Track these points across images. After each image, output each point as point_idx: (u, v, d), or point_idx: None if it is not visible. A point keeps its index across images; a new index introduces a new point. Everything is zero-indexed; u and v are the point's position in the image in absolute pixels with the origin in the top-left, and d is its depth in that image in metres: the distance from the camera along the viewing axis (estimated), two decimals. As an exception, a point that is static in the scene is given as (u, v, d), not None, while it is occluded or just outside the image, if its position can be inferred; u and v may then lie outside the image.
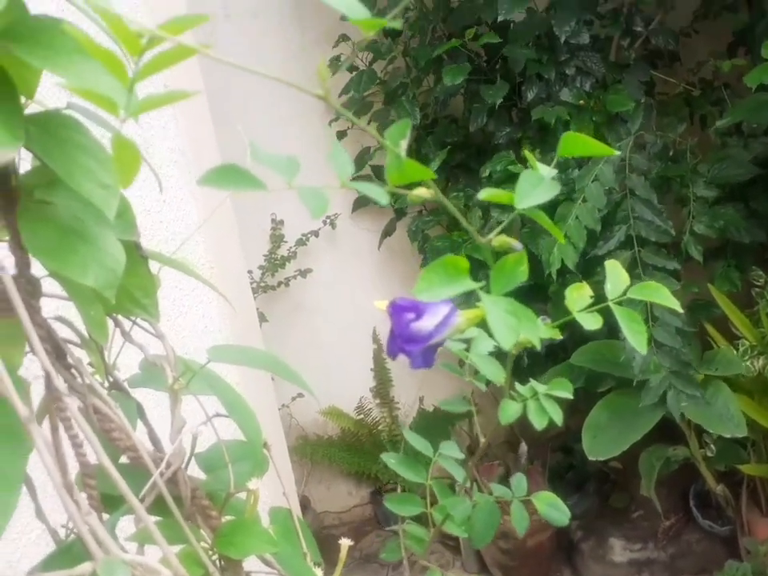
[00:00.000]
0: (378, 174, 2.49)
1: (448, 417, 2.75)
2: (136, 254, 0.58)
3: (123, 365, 0.73)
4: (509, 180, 2.03)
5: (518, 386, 0.65)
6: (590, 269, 1.92)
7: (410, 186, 0.49)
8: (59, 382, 0.52)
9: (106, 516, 0.61)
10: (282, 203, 2.60)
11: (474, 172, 2.19)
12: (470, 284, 0.47)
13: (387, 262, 2.67)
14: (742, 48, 2.11)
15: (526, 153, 0.55)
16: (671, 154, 1.92)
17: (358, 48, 2.33)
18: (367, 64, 2.31)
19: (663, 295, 0.58)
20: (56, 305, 0.65)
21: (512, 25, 2.06)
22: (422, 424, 2.79)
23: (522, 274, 0.51)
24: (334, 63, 2.32)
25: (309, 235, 2.58)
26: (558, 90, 2.02)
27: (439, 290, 0.47)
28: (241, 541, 0.57)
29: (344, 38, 2.30)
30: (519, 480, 0.75)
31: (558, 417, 0.63)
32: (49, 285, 0.58)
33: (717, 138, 1.99)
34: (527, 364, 2.10)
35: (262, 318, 2.56)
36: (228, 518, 0.62)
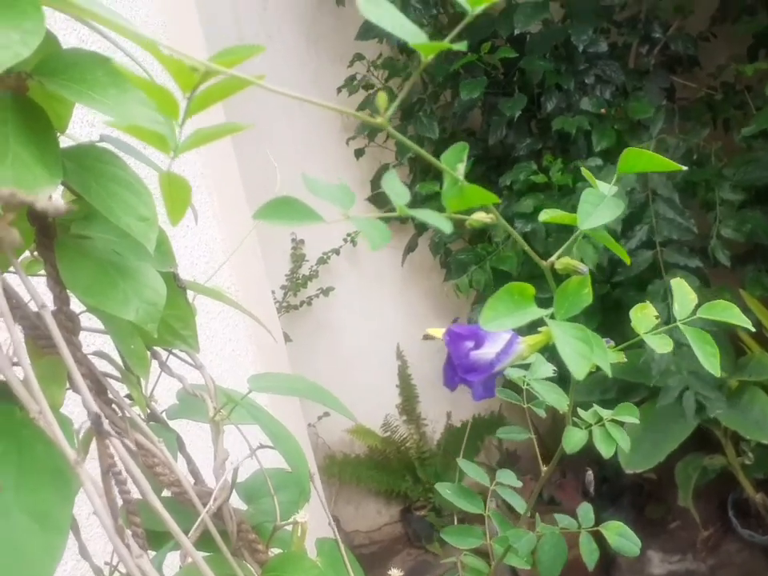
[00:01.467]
0: (397, 191, 2.48)
1: (477, 432, 2.72)
2: (174, 285, 0.57)
3: (157, 396, 0.73)
4: (530, 190, 2.02)
5: (580, 411, 0.63)
6: (612, 271, 1.91)
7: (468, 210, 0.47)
8: (106, 423, 0.51)
9: (151, 553, 0.59)
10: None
11: (495, 185, 2.17)
12: (537, 311, 0.45)
13: (409, 277, 2.66)
14: (762, 50, 2.09)
15: (584, 170, 0.53)
16: (695, 158, 1.90)
17: (373, 66, 2.33)
18: (383, 81, 2.31)
19: (734, 314, 0.56)
20: (90, 338, 0.64)
21: (528, 36, 2.05)
22: (450, 440, 2.76)
23: (586, 296, 0.49)
24: (349, 83, 2.33)
25: (330, 254, 2.57)
26: (578, 100, 2.01)
27: (506, 319, 0.45)
28: (290, 574, 0.55)
29: (359, 56, 2.31)
30: (586, 510, 0.72)
31: (626, 444, 0.61)
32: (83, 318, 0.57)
33: (741, 142, 1.96)
34: (557, 376, 2.07)
35: (286, 337, 2.55)
36: (275, 550, 0.61)
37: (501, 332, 0.54)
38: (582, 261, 1.98)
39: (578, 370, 0.43)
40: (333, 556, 0.62)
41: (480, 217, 0.50)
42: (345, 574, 0.61)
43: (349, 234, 2.57)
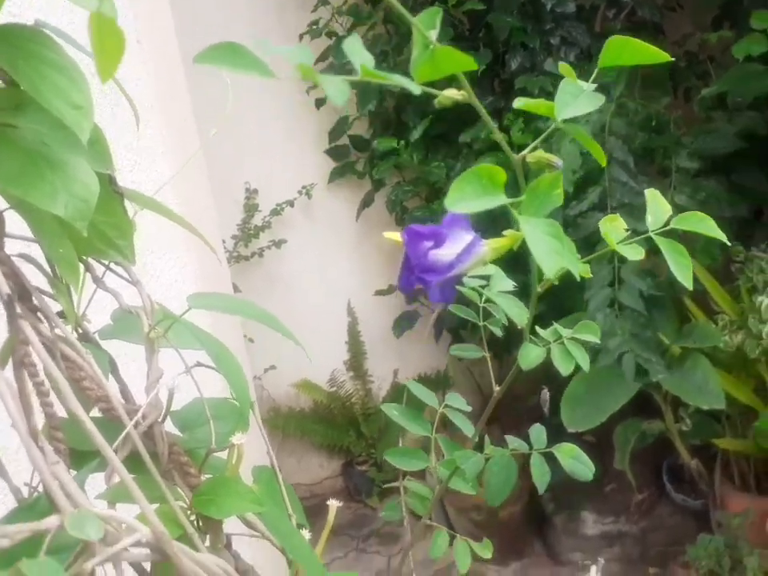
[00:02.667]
0: (356, 145, 2.44)
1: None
2: (110, 188, 0.53)
3: (92, 317, 0.69)
4: (490, 149, 2.00)
5: (539, 329, 0.61)
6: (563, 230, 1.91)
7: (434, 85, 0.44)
8: (24, 324, 0.47)
9: (73, 473, 0.56)
10: (256, 172, 2.54)
11: (455, 143, 2.14)
12: (505, 199, 0.43)
13: (365, 233, 2.63)
14: (726, 22, 2.09)
15: (563, 66, 0.51)
16: (654, 124, 1.90)
17: (338, 12, 2.26)
18: (347, 30, 2.25)
19: (709, 225, 0.54)
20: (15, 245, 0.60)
21: (496, -9, 2.01)
22: (396, 398, 2.77)
23: (557, 197, 0.47)
24: (312, 29, 2.26)
25: (284, 205, 2.53)
26: (543, 60, 1.99)
27: (472, 201, 0.42)
28: (222, 500, 0.53)
29: (323, 1, 2.24)
30: (538, 431, 0.71)
31: (585, 362, 0.60)
32: (12, 225, 0.53)
33: (701, 111, 1.97)
34: (503, 337, 2.08)
35: (235, 288, 2.50)
36: (208, 476, 0.58)
37: (462, 232, 0.51)
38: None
39: (550, 267, 0.41)
40: (270, 485, 0.60)
41: (451, 93, 0.48)
42: (281, 503, 0.60)
43: (304, 186, 2.52)
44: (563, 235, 0.43)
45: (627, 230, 0.54)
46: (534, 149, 0.50)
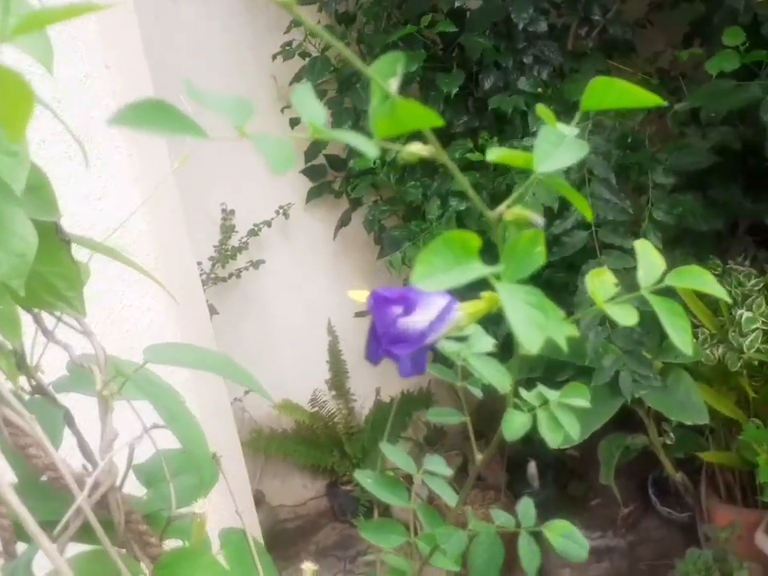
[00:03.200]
0: (333, 165, 2.42)
1: (406, 408, 2.70)
2: (56, 237, 0.51)
3: (51, 366, 0.67)
4: (466, 169, 1.99)
5: (523, 392, 0.57)
6: (546, 249, 1.90)
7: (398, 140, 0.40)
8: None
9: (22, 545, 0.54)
10: (232, 192, 2.51)
11: (431, 162, 2.12)
12: (482, 268, 0.38)
13: (343, 252, 2.61)
14: (697, 39, 2.10)
15: (540, 108, 0.47)
16: (630, 141, 1.90)
17: (310, 34, 2.25)
18: (320, 51, 2.24)
19: (708, 281, 0.49)
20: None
21: (468, 12, 2.00)
22: (379, 416, 2.74)
23: (538, 256, 0.42)
24: (286, 50, 2.25)
25: (261, 225, 2.50)
26: (516, 79, 1.98)
27: (444, 275, 0.37)
28: (185, 573, 0.50)
29: (296, 23, 2.22)
30: (526, 507, 0.65)
31: (575, 431, 0.55)
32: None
33: (675, 127, 1.97)
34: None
35: (213, 310, 2.48)
36: (172, 543, 0.56)
37: (434, 296, 0.47)
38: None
39: (531, 341, 0.37)
40: (239, 548, 0.58)
41: (416, 149, 0.43)
42: (252, 569, 0.57)
43: (281, 206, 2.50)
44: (546, 303, 0.39)
45: (617, 285, 0.50)
46: (515, 202, 0.46)
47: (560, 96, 1.94)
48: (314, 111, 0.38)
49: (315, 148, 2.34)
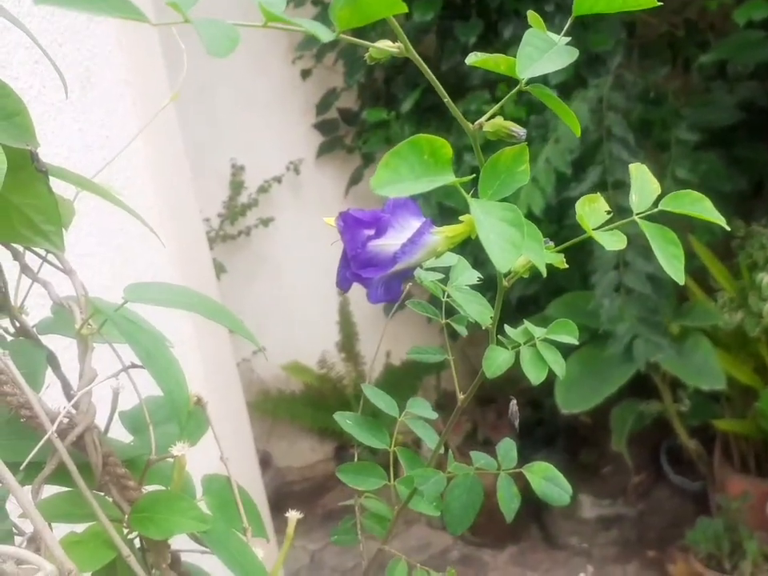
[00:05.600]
0: (345, 118, 2.36)
1: (416, 372, 2.67)
2: (32, 166, 0.46)
3: (35, 308, 0.62)
4: (482, 122, 1.92)
5: (507, 329, 0.53)
6: (562, 213, 1.84)
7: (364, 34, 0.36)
8: None
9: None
10: (243, 148, 2.45)
11: (446, 115, 2.07)
12: (451, 177, 0.36)
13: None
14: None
15: (532, 15, 0.43)
16: (652, 96, 1.82)
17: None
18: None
19: (705, 207, 0.46)
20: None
21: (488, -43, 1.93)
22: (388, 379, 2.71)
23: (521, 175, 0.39)
24: (297, -3, 2.17)
25: (271, 182, 2.45)
26: (536, 28, 1.90)
27: (410, 183, 0.34)
28: (162, 517, 0.46)
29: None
30: (507, 447, 0.62)
31: (561, 368, 0.51)
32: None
33: (701, 82, 1.89)
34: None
35: (221, 268, 2.44)
36: (151, 488, 0.52)
37: (408, 217, 0.44)
38: (529, 207, 1.90)
39: (503, 260, 0.34)
40: (222, 496, 0.54)
41: (383, 45, 0.40)
42: (236, 516, 0.53)
43: (291, 162, 2.45)
44: (523, 221, 0.35)
45: (609, 212, 0.47)
46: (494, 115, 0.42)
47: (583, 46, 1.86)
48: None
49: (327, 101, 2.27)
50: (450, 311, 0.58)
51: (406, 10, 0.32)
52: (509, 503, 0.57)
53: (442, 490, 0.57)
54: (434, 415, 0.62)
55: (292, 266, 2.64)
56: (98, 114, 1.30)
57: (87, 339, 0.50)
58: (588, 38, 1.86)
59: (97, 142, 1.31)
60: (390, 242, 0.43)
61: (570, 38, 0.41)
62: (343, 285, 0.45)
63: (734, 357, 1.91)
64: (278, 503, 2.28)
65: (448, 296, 0.56)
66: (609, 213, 0.45)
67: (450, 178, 0.35)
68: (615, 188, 1.81)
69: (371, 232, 0.43)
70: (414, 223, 0.43)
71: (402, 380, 2.64)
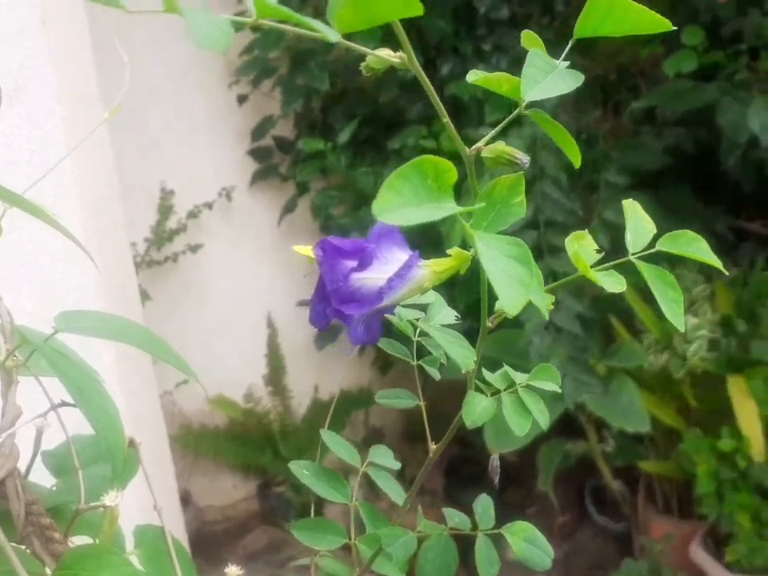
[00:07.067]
0: (280, 146, 2.33)
1: (344, 407, 2.62)
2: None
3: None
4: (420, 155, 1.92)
5: (486, 373, 0.50)
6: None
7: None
8: None
9: None
10: (173, 171, 2.38)
11: (382, 149, 2.06)
12: (455, 207, 0.33)
13: (287, 240, 2.50)
14: (658, 37, 2.08)
15: (527, 34, 0.41)
16: (584, 138, 1.86)
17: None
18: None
19: (701, 248, 0.45)
20: None
21: (429, -6, 1.94)
22: (317, 415, 2.65)
23: (517, 207, 0.37)
24: (236, 22, 2.14)
25: (201, 207, 2.38)
26: (474, 66, 1.92)
27: (412, 209, 0.31)
28: (91, 574, 0.41)
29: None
30: (485, 506, 0.58)
31: (544, 418, 0.49)
32: None
33: (630, 126, 1.95)
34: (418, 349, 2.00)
35: (145, 295, 2.35)
36: (79, 540, 0.47)
37: (394, 249, 0.40)
38: (463, 239, 1.91)
39: (512, 302, 0.31)
40: (156, 548, 0.49)
41: (385, 54, 0.37)
42: (169, 570, 0.48)
43: (224, 188, 2.39)
44: (531, 259, 0.33)
45: (599, 251, 0.45)
46: (492, 140, 0.40)
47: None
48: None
49: (262, 127, 2.24)
50: (420, 351, 0.55)
51: (421, 11, 0.29)
52: (488, 568, 0.53)
53: (412, 552, 0.53)
54: (396, 465, 0.58)
55: (220, 294, 2.57)
56: (25, 128, 1.23)
57: (12, 372, 0.45)
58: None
59: (23, 158, 1.24)
60: (375, 276, 0.39)
61: (568, 63, 0.39)
62: (319, 321, 0.41)
63: (658, 398, 1.94)
64: (198, 543, 2.18)
65: (419, 335, 0.53)
66: (599, 251, 0.43)
67: (453, 207, 0.32)
68: (547, 226, 1.83)
69: (353, 263, 0.39)
70: (399, 255, 0.40)
71: (331, 416, 2.59)
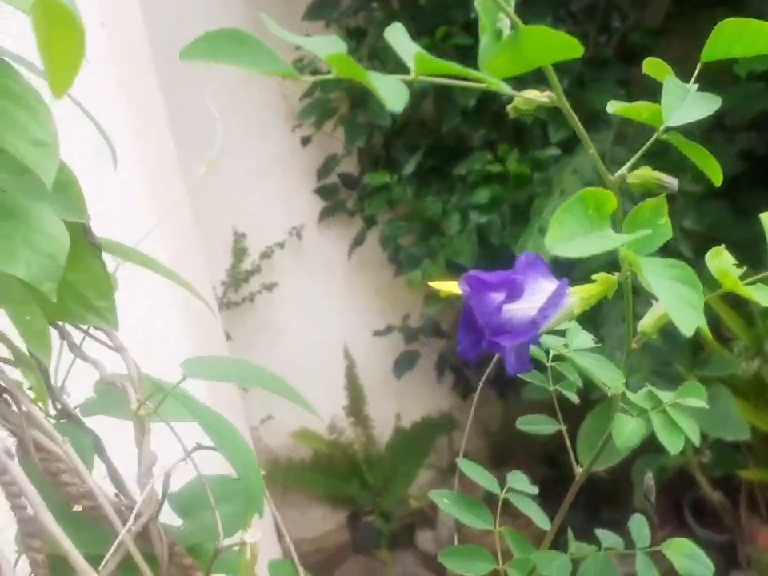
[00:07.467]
0: (346, 183, 2.37)
1: (427, 433, 2.63)
2: (84, 240, 0.45)
3: (74, 389, 0.60)
4: (485, 181, 1.93)
5: (629, 394, 0.51)
6: (571, 264, 1.83)
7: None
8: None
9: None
10: (244, 215, 2.46)
11: (447, 176, 2.08)
12: (617, 237, 0.34)
13: (358, 273, 2.54)
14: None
15: (650, 63, 0.42)
16: (655, 149, 1.84)
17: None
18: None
19: None
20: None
21: (483, 21, 1.96)
22: (401, 443, 2.66)
23: (663, 229, 0.38)
24: (296, 66, 2.21)
25: (273, 247, 2.44)
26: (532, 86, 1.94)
27: (581, 241, 0.33)
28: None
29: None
30: (640, 525, 0.59)
31: (696, 435, 0.49)
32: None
33: (700, 133, 1.91)
34: (497, 371, 1.99)
35: (227, 336, 2.41)
36: (216, 577, 0.49)
37: (540, 279, 0.42)
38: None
39: (687, 324, 0.33)
40: (288, 582, 0.51)
41: (533, 95, 0.39)
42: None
43: (294, 227, 2.45)
44: (696, 280, 0.34)
45: (738, 266, 0.45)
46: (635, 166, 0.41)
47: (581, 105, 1.89)
48: (411, 46, 0.32)
49: (327, 166, 2.29)
50: (557, 378, 0.56)
51: (581, 53, 0.30)
52: None
53: (569, 575, 0.53)
54: (534, 490, 0.59)
55: (296, 330, 2.62)
56: (104, 185, 1.29)
57: (144, 420, 0.48)
58: (585, 96, 1.89)
59: (106, 214, 1.30)
60: (525, 306, 0.41)
61: (697, 85, 0.40)
62: (469, 353, 0.42)
63: (753, 405, 1.88)
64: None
65: (553, 360, 0.54)
66: (737, 266, 0.44)
67: (620, 237, 0.33)
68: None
69: (500, 295, 0.40)
70: (546, 284, 0.41)
71: (415, 442, 2.59)
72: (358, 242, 2.37)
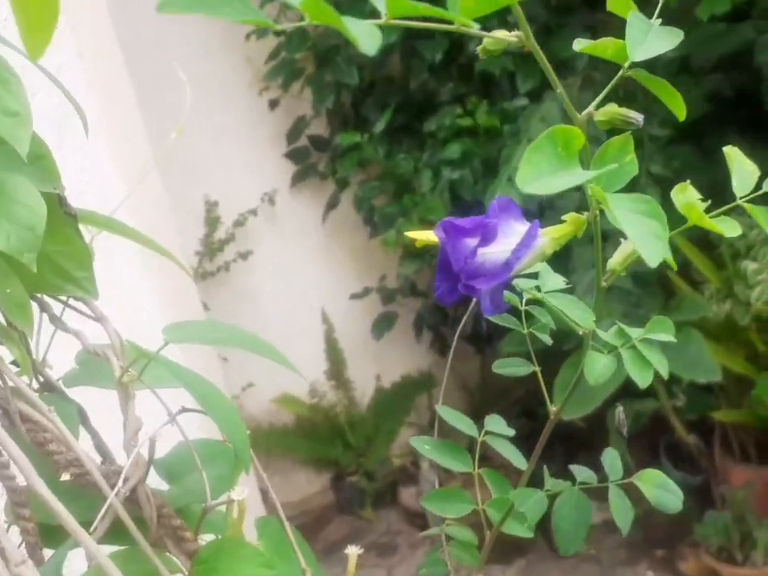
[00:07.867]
0: (316, 145, 2.35)
1: (407, 392, 2.65)
2: (60, 211, 0.44)
3: (56, 361, 0.60)
4: (456, 136, 1.93)
5: (599, 332, 0.52)
6: (541, 213, 1.85)
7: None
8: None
9: (49, 552, 0.48)
10: (215, 184, 2.43)
11: (418, 133, 2.08)
12: (586, 173, 0.35)
13: (332, 237, 2.54)
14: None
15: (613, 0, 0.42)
16: (621, 94, 1.84)
17: (284, 6, 2.17)
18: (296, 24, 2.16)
19: None
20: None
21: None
22: (381, 403, 2.69)
23: (629, 166, 0.39)
24: (259, 28, 2.17)
25: (246, 215, 2.43)
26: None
27: (551, 179, 0.34)
28: (226, 567, 0.44)
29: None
30: (612, 458, 0.61)
31: (665, 369, 0.51)
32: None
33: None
34: (474, 325, 2.00)
35: (204, 306, 2.40)
36: (206, 537, 0.50)
37: (512, 222, 0.42)
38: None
39: (653, 256, 0.33)
40: (278, 538, 0.52)
41: (502, 34, 0.39)
42: (292, 557, 0.51)
43: (266, 193, 2.43)
44: (661, 213, 0.35)
45: (704, 200, 0.46)
46: (602, 104, 0.41)
47: (548, 53, 1.88)
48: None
49: (297, 129, 2.27)
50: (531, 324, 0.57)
51: None
52: (624, 515, 0.55)
53: (545, 510, 0.55)
54: (511, 432, 0.61)
55: (274, 296, 2.61)
56: (72, 159, 1.28)
57: (128, 387, 0.48)
58: (553, 45, 1.88)
59: (76, 189, 1.28)
60: (498, 249, 0.41)
61: (660, 20, 0.41)
62: (446, 298, 0.43)
63: (725, 347, 1.93)
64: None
65: (527, 305, 0.55)
66: (703, 200, 0.45)
67: (586, 174, 0.34)
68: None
69: (474, 240, 0.41)
70: (518, 227, 0.42)
71: (395, 402, 2.62)
72: (332, 205, 2.36)
